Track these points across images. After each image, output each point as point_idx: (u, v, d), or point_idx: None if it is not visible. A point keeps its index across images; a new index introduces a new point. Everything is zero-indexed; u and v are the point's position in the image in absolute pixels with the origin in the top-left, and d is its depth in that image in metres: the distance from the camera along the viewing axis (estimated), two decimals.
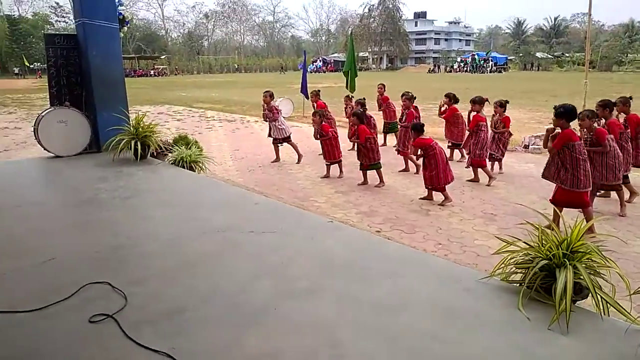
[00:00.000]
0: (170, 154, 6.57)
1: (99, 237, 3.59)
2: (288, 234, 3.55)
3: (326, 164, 7.50)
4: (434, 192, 6.06)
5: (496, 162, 7.41)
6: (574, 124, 4.85)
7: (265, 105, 8.49)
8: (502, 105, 7.15)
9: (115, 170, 5.68)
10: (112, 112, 6.59)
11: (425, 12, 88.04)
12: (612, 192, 5.86)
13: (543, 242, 2.58)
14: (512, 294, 2.56)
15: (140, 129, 6.22)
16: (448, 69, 62.68)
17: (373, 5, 75.87)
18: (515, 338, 2.18)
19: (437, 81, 37.94)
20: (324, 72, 66.51)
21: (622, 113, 6.27)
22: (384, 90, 10.19)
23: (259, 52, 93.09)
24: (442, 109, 8.44)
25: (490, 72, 53.76)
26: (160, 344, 2.11)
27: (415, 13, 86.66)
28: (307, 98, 12.47)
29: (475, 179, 7.00)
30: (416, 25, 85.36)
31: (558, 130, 4.75)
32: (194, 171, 6.07)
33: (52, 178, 5.84)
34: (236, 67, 72.67)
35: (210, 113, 17.28)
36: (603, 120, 5.77)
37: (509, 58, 63.68)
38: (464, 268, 3.11)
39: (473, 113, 7.06)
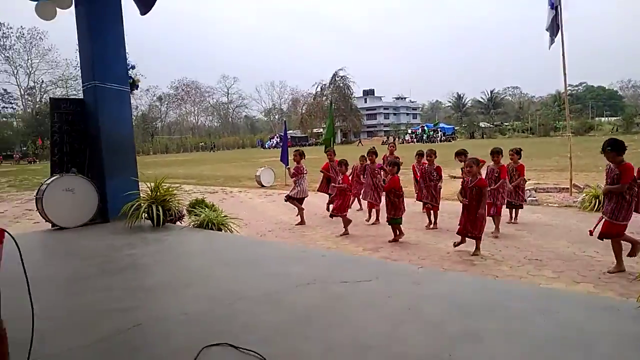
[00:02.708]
0: (186, 219, 6.16)
1: (174, 299, 3.10)
2: (386, 281, 3.23)
3: (342, 218, 7.23)
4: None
5: (513, 210, 7.44)
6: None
7: (297, 163, 8.50)
8: (517, 153, 7.34)
9: (139, 237, 5.16)
10: (122, 179, 6.17)
11: (374, 89, 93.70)
12: None
13: None
14: None
15: (159, 193, 5.82)
16: (401, 140, 65.57)
17: (325, 84, 79.94)
18: None
19: (401, 150, 39.19)
20: None
21: None
22: (395, 149, 10.46)
23: (213, 132, 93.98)
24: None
25: (441, 141, 56.57)
26: None
27: (364, 90, 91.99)
28: (287, 166, 12.56)
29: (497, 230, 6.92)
30: (366, 101, 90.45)
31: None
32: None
33: (71, 249, 5.07)
34: (204, 145, 73.24)
35: (187, 187, 16.73)
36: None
37: (455, 128, 67.86)
38: (604, 297, 2.90)
39: (496, 165, 6.95)
